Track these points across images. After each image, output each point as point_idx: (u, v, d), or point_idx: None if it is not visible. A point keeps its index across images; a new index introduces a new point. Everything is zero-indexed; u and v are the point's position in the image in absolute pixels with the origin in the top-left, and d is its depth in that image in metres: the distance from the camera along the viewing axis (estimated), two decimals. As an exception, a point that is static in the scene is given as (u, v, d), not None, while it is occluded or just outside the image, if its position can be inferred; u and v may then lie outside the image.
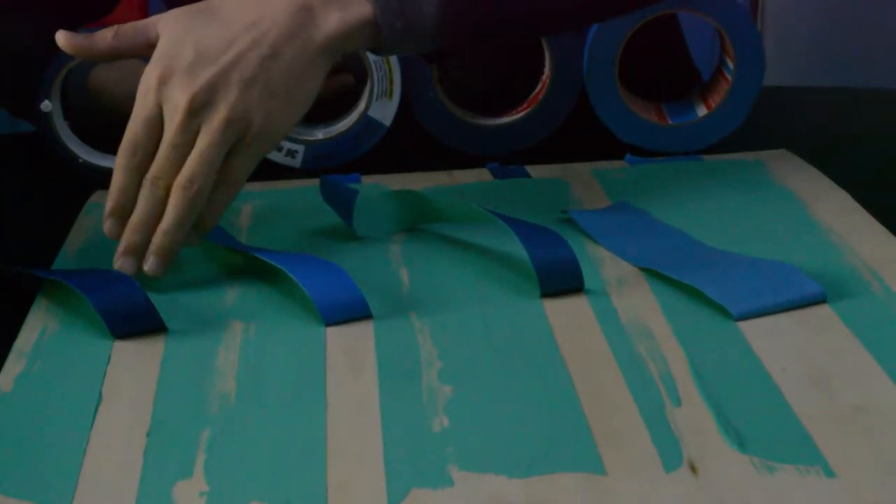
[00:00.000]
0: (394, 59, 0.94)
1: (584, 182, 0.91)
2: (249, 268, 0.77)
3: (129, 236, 0.73)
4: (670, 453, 0.56)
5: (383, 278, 0.75)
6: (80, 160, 0.94)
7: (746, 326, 0.68)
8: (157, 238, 0.73)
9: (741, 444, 0.56)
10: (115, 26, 0.76)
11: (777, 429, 0.58)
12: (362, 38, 0.76)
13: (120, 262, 0.73)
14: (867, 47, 0.86)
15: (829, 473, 0.54)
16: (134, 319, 0.69)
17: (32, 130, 1.02)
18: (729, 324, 0.68)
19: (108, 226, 0.74)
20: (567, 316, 0.70)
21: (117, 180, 0.73)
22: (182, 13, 0.75)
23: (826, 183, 0.88)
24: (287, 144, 0.95)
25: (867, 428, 0.58)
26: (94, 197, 0.91)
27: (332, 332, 0.69)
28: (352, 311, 0.70)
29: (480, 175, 0.94)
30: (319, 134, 0.96)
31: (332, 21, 0.74)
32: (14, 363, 0.66)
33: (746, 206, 0.85)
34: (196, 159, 0.72)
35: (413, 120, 0.97)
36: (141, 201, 0.73)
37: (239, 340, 0.68)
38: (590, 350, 0.66)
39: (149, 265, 0.73)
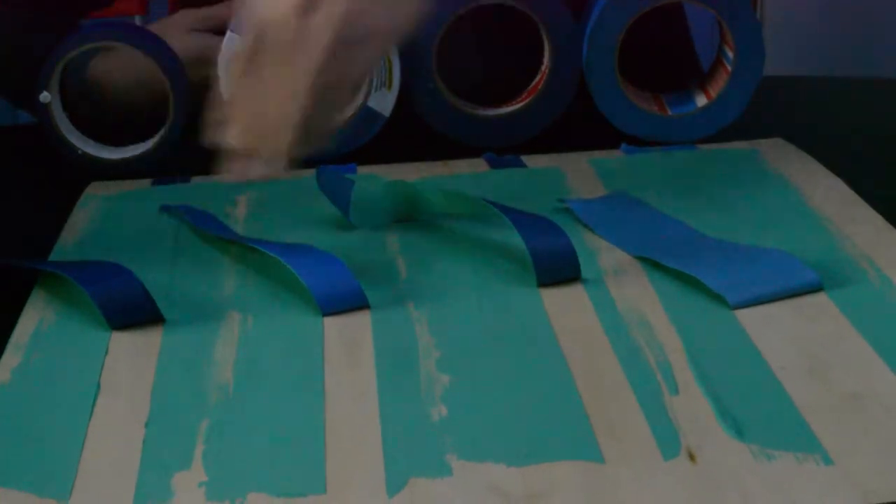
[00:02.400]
0: (393, 50, 0.93)
1: (581, 172, 0.90)
2: (247, 258, 0.76)
3: (246, 138, 0.72)
4: (668, 441, 0.56)
5: (380, 268, 0.75)
6: (79, 151, 0.94)
7: (743, 315, 0.67)
8: (276, 137, 0.71)
9: (739, 431, 0.56)
10: None
11: (774, 416, 0.58)
12: None
13: (234, 169, 0.73)
14: (866, 37, 0.86)
15: (827, 461, 0.54)
16: (132, 311, 0.69)
17: (31, 121, 1.02)
18: (726, 312, 0.68)
19: (220, 134, 0.73)
20: (564, 305, 0.69)
21: (234, 87, 0.73)
22: None
23: (821, 171, 0.88)
24: (284, 135, 0.95)
25: (864, 415, 0.58)
26: (91, 188, 0.91)
27: (330, 323, 0.68)
28: (349, 302, 0.70)
29: (477, 165, 0.93)
30: (317, 125, 0.96)
31: None
32: (11, 355, 0.66)
33: (742, 195, 0.84)
34: (313, 53, 0.70)
35: (411, 110, 0.97)
36: (258, 103, 0.72)
37: (237, 331, 0.68)
38: (587, 339, 0.66)
39: (264, 167, 0.72)
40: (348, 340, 0.66)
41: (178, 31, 1.00)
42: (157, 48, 0.93)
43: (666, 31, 1.07)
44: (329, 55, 0.70)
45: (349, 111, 0.72)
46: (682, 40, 1.15)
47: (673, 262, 0.73)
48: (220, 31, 0.94)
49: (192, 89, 0.94)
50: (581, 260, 0.73)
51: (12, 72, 1.00)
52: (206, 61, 0.96)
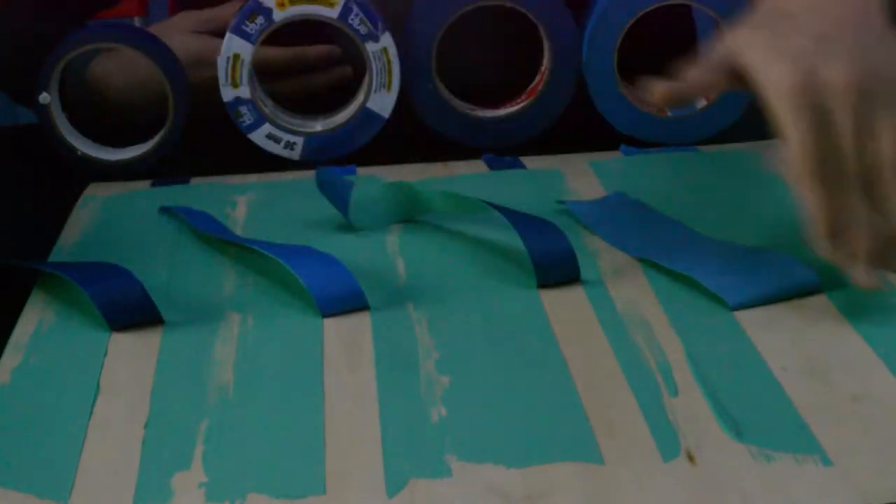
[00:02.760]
0: (393, 51, 0.93)
1: (580, 173, 0.90)
2: (246, 259, 0.76)
3: (865, 247, 0.65)
4: (668, 443, 0.56)
5: (380, 269, 0.75)
6: (79, 152, 0.94)
7: (743, 316, 0.67)
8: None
9: (738, 433, 0.56)
10: (694, 65, 0.70)
11: (774, 418, 0.58)
12: None
13: (862, 278, 0.65)
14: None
15: (827, 462, 0.54)
16: (131, 311, 0.69)
17: (30, 122, 1.02)
18: (725, 313, 0.68)
19: (825, 249, 0.66)
20: (564, 306, 0.69)
21: (822, 200, 0.65)
22: (750, 28, 0.69)
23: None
24: (286, 136, 0.95)
25: (864, 416, 0.58)
26: (90, 189, 0.91)
27: (330, 324, 0.68)
28: (349, 303, 0.70)
29: (476, 166, 0.93)
30: (318, 126, 0.96)
31: None
32: (11, 356, 0.66)
33: (741, 196, 0.84)
34: (887, 134, 0.63)
35: (411, 111, 0.97)
36: (860, 208, 0.64)
37: (236, 332, 0.68)
38: (587, 340, 0.66)
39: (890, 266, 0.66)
40: (348, 341, 0.66)
41: (178, 32, 1.00)
42: (157, 49, 0.93)
43: (670, 32, 1.07)
44: None
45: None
46: (688, 41, 1.15)
47: (672, 263, 0.73)
48: (220, 34, 0.94)
49: (192, 91, 0.94)
50: (580, 261, 0.73)
51: (15, 68, 1.00)
52: (207, 63, 0.96)
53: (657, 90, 0.69)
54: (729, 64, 0.68)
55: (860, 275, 0.66)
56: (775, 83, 0.64)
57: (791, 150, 0.65)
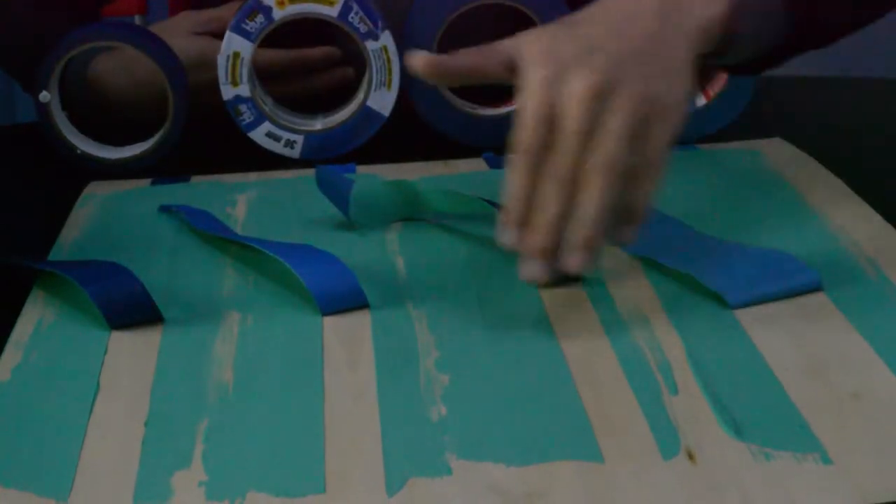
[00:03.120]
0: (392, 49, 0.93)
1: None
2: (246, 258, 0.76)
3: (541, 239, 0.67)
4: (668, 441, 0.56)
5: (380, 268, 0.75)
6: (78, 151, 0.94)
7: (743, 314, 0.67)
8: (582, 231, 0.66)
9: (738, 431, 0.56)
10: (475, 48, 0.72)
11: (774, 416, 0.58)
12: (713, 40, 0.71)
13: (530, 270, 0.68)
14: (867, 37, 0.86)
15: (826, 460, 0.54)
16: (131, 310, 0.69)
17: (30, 121, 1.02)
18: (725, 312, 0.68)
19: (507, 237, 0.68)
20: (564, 305, 0.69)
21: (517, 187, 0.67)
22: (541, 31, 0.71)
23: (821, 171, 0.88)
24: (285, 135, 0.95)
25: (864, 415, 0.58)
26: (90, 188, 0.91)
27: (329, 322, 0.68)
28: (349, 301, 0.70)
29: (476, 165, 0.93)
30: (318, 124, 0.96)
31: (695, 18, 0.70)
32: (11, 354, 0.66)
33: (742, 195, 0.84)
34: (611, 139, 0.66)
35: (411, 110, 0.97)
36: (550, 201, 0.66)
37: (236, 330, 0.68)
38: (586, 338, 0.66)
39: (575, 261, 0.67)
40: (348, 340, 0.66)
41: (178, 33, 1.00)
42: (157, 49, 0.93)
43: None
44: (626, 142, 0.66)
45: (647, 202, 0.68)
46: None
47: (672, 261, 0.73)
48: (220, 35, 0.94)
49: (193, 92, 0.94)
50: (581, 260, 0.72)
51: (25, 56, 1.00)
52: (207, 65, 0.96)
53: (419, 59, 0.71)
54: (509, 57, 0.69)
55: (526, 266, 0.68)
56: (530, 80, 0.67)
57: (515, 132, 0.67)
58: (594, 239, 0.67)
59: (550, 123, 0.66)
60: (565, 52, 0.67)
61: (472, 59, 0.71)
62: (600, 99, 0.66)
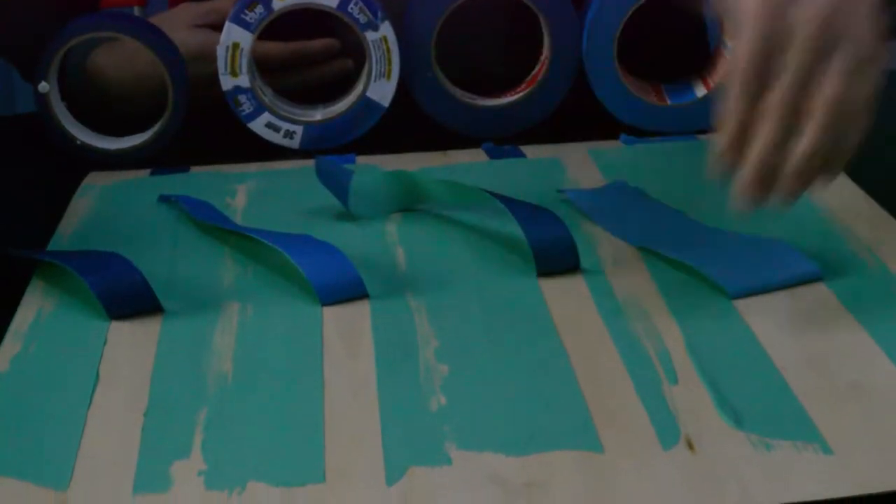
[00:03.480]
0: (392, 40, 0.93)
1: (580, 162, 0.90)
2: (245, 248, 0.76)
3: (761, 165, 0.65)
4: (667, 431, 0.56)
5: (379, 258, 0.75)
6: (78, 142, 0.94)
7: (743, 305, 0.67)
8: (797, 162, 0.65)
9: (738, 421, 0.56)
10: None
11: (774, 406, 0.58)
12: None
13: (748, 193, 0.66)
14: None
15: (826, 450, 0.54)
16: (130, 300, 0.69)
17: (29, 111, 1.02)
18: (725, 302, 0.68)
19: (724, 159, 0.66)
20: (563, 295, 0.69)
21: (736, 111, 0.65)
22: None
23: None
24: (285, 125, 0.95)
25: (864, 405, 0.58)
26: (89, 178, 0.91)
27: (329, 312, 0.68)
28: (348, 291, 0.70)
29: (475, 155, 0.93)
30: (318, 115, 0.96)
31: None
32: (10, 344, 0.66)
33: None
34: (838, 75, 0.64)
35: (411, 100, 0.97)
36: (769, 128, 0.65)
37: (235, 321, 0.68)
38: (586, 329, 0.66)
39: (787, 190, 0.66)
40: (347, 330, 0.66)
41: (178, 25, 1.00)
42: (157, 40, 0.92)
43: (671, 21, 1.07)
44: (850, 80, 0.65)
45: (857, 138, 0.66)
46: (690, 30, 1.13)
47: (672, 252, 0.73)
48: (220, 27, 0.94)
49: (192, 85, 0.94)
50: (580, 250, 0.72)
51: (25, 45, 1.00)
52: (207, 58, 0.96)
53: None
54: None
55: (739, 191, 0.66)
56: (753, 6, 0.65)
57: (735, 53, 0.65)
58: (809, 174, 0.65)
59: (774, 52, 0.65)
60: None
61: None
62: (828, 31, 0.64)
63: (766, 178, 0.65)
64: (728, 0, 0.68)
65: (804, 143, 0.65)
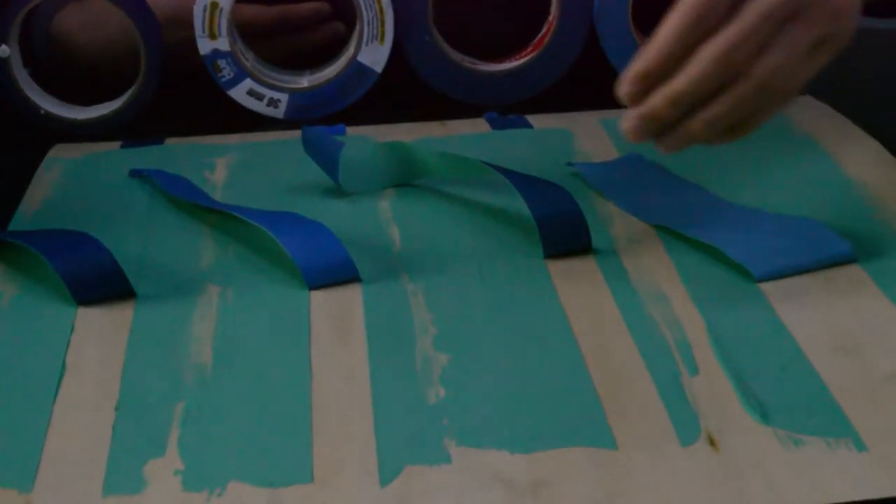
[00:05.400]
0: (385, 0, 0.93)
1: (591, 133, 0.90)
2: (226, 227, 0.76)
3: (660, 105, 0.65)
4: (687, 426, 0.56)
5: (372, 238, 0.75)
6: (42, 111, 0.94)
7: (769, 289, 0.67)
8: (694, 124, 0.65)
9: (764, 415, 0.56)
10: None
11: (803, 399, 0.58)
12: None
13: (630, 124, 0.66)
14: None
15: (861, 447, 0.54)
16: (100, 284, 0.69)
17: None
18: (750, 286, 0.68)
19: (628, 84, 0.66)
20: (573, 278, 0.69)
21: (665, 39, 0.64)
22: None
23: (855, 132, 0.88)
24: (269, 93, 0.95)
25: (901, 397, 0.58)
26: (54, 151, 0.91)
27: (317, 297, 0.68)
28: (338, 274, 0.70)
29: (477, 125, 0.93)
30: (304, 81, 0.96)
31: None
32: (-31, 332, 0.66)
33: (768, 158, 0.84)
34: (786, 51, 0.64)
35: (406, 65, 0.97)
36: (691, 72, 0.64)
37: (215, 306, 0.68)
38: (598, 315, 0.66)
39: (666, 143, 0.67)
40: (337, 316, 0.66)
41: None
42: (129, 0, 0.92)
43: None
44: (800, 59, 0.65)
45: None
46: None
47: (692, 231, 0.73)
48: None
49: (167, 52, 0.93)
50: (592, 228, 0.73)
51: None
52: (182, 23, 0.95)
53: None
54: None
55: (626, 119, 0.66)
56: None
57: None
58: (699, 137, 0.66)
59: None
60: None
61: None
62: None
63: (660, 124, 0.66)
64: None
65: (717, 106, 0.65)
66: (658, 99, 0.65)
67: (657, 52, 0.65)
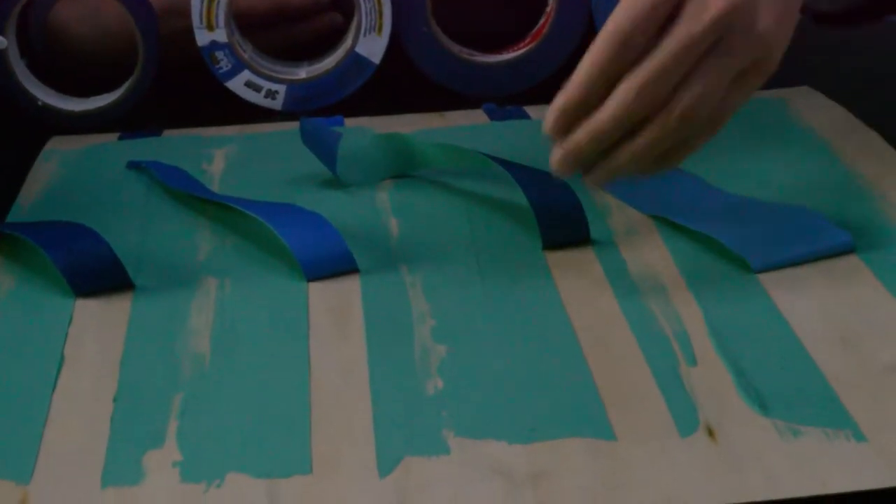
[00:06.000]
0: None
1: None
2: (224, 219, 0.76)
3: (583, 141, 0.64)
4: (685, 417, 0.56)
5: (370, 229, 0.75)
6: (39, 103, 0.94)
7: (767, 279, 0.67)
8: (620, 158, 0.64)
9: (763, 406, 0.56)
10: None
11: (802, 389, 0.58)
12: None
13: (556, 158, 0.65)
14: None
15: (860, 437, 0.54)
16: (98, 275, 0.69)
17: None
18: (748, 276, 0.68)
19: (552, 120, 0.64)
20: (571, 269, 0.69)
21: (587, 70, 0.63)
22: None
23: (854, 122, 0.88)
24: (267, 84, 0.95)
25: (900, 388, 0.58)
26: (52, 143, 0.90)
27: (315, 288, 0.68)
28: (336, 265, 0.70)
29: (475, 117, 0.93)
30: (302, 73, 0.96)
31: None
32: (-33, 324, 0.66)
33: (766, 148, 0.84)
34: (707, 83, 0.63)
35: (404, 57, 0.96)
36: (613, 105, 0.63)
37: (213, 298, 0.68)
38: (596, 306, 0.66)
39: (592, 178, 0.65)
40: (336, 308, 0.66)
41: None
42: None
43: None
44: (725, 88, 0.64)
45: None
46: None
47: (690, 221, 0.72)
48: None
49: (164, 43, 0.93)
50: (590, 219, 0.73)
51: None
52: (179, 14, 0.95)
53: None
54: None
55: (553, 154, 0.65)
56: None
57: (617, 8, 0.63)
58: (625, 170, 0.65)
59: (656, 21, 0.62)
60: None
61: None
62: (729, 21, 0.62)
63: (585, 157, 0.65)
64: None
65: (641, 139, 0.64)
66: (581, 134, 0.64)
67: (577, 86, 0.64)
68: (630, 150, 0.64)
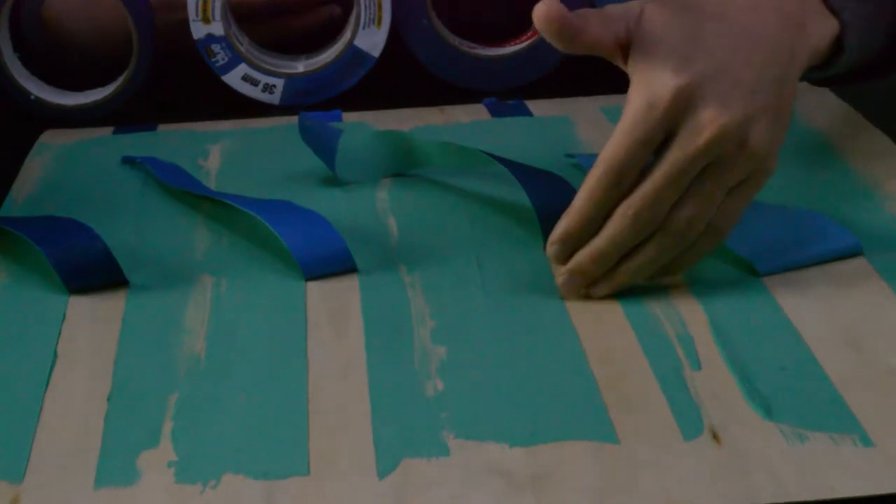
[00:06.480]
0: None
1: (592, 120, 0.90)
2: (220, 216, 0.76)
3: (587, 264, 0.66)
4: (689, 420, 0.56)
5: (369, 228, 0.75)
6: (33, 97, 0.94)
7: (772, 282, 0.67)
8: (622, 275, 0.66)
9: (768, 410, 0.56)
10: (596, 10, 0.67)
11: (808, 394, 0.58)
12: (819, 58, 0.71)
13: (561, 280, 0.67)
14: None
15: (867, 442, 0.54)
16: (92, 272, 0.69)
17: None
18: (753, 280, 0.68)
19: (553, 251, 0.66)
20: (574, 269, 0.69)
21: (583, 203, 0.65)
22: (665, 13, 0.66)
23: (860, 122, 0.88)
24: (264, 78, 0.95)
25: (908, 392, 0.58)
26: (45, 136, 0.90)
27: (314, 288, 0.68)
28: (335, 265, 0.70)
29: (476, 112, 0.93)
30: (300, 66, 0.96)
31: (812, 38, 0.69)
32: (-41, 321, 0.66)
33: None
34: (701, 202, 0.64)
35: (404, 50, 0.96)
36: (610, 232, 0.65)
37: (209, 296, 0.68)
38: (599, 308, 0.66)
39: (598, 292, 0.67)
40: (334, 307, 0.66)
41: None
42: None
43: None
44: (719, 205, 0.65)
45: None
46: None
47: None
48: None
49: (160, 36, 0.93)
50: (593, 219, 0.72)
51: None
52: (175, 6, 0.95)
53: (545, 7, 0.66)
54: (625, 33, 0.66)
55: (558, 276, 0.67)
56: (656, 88, 0.63)
57: (612, 139, 0.64)
58: (628, 284, 0.66)
59: (653, 145, 0.63)
60: (697, 64, 0.64)
61: (596, 30, 0.66)
62: (724, 140, 0.63)
63: (589, 277, 0.66)
64: (628, 35, 0.66)
65: (641, 257, 0.65)
66: (582, 256, 0.66)
67: (575, 215, 0.66)
68: (630, 268, 0.66)
